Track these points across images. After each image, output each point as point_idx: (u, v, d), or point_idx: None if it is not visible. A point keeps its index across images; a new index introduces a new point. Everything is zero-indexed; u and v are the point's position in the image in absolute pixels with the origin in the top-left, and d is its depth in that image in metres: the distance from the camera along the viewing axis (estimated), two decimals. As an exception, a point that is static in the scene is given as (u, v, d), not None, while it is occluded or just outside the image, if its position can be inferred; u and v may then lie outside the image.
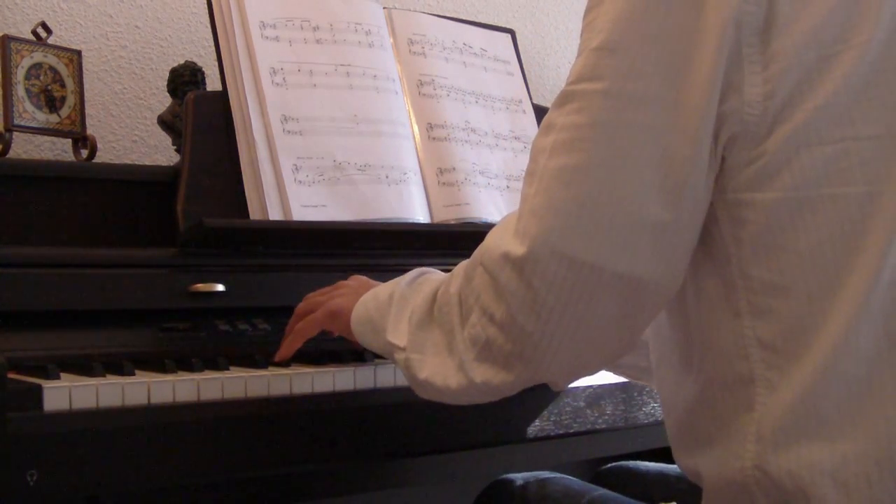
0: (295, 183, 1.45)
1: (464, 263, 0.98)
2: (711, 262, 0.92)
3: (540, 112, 1.76)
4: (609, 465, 1.51)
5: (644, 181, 0.87)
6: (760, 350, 0.88)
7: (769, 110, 0.85)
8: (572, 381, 0.98)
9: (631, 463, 1.49)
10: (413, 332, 1.02)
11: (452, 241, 1.53)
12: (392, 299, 1.06)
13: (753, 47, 0.86)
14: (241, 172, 1.44)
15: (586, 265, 0.87)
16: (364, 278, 1.23)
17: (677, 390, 1.00)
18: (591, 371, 0.98)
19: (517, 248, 0.89)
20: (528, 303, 0.89)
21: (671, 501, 1.35)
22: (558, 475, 1.30)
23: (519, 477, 1.30)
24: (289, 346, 1.22)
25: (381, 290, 1.11)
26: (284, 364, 1.22)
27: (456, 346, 0.96)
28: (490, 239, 0.95)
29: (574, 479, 1.31)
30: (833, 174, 0.85)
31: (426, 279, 1.07)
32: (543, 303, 0.88)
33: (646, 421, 1.43)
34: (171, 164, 1.66)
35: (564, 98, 0.91)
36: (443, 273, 1.08)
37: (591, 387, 1.38)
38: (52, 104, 1.56)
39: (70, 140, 1.63)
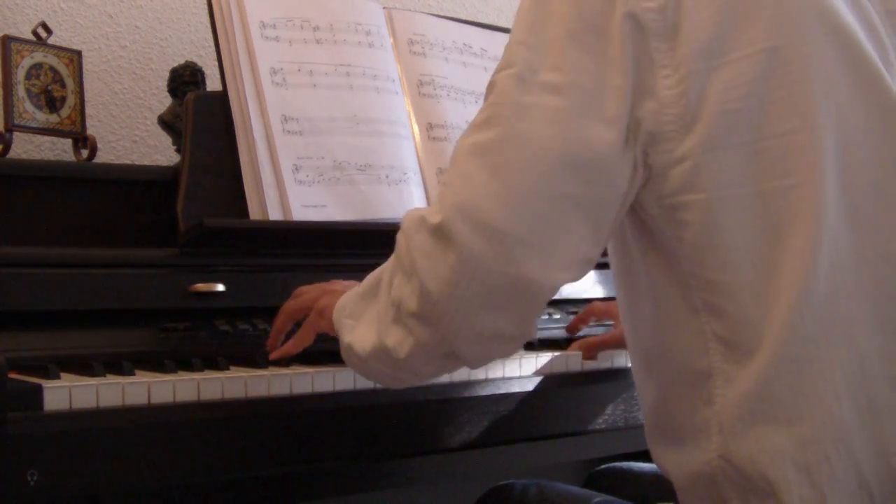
0: (295, 183, 1.45)
1: None
2: (665, 264, 0.94)
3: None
4: (602, 466, 1.51)
5: (554, 153, 0.89)
6: (718, 345, 0.91)
7: (687, 109, 0.89)
8: (482, 361, 0.98)
9: (624, 464, 1.49)
10: (355, 301, 1.04)
11: (452, 241, 1.53)
12: (365, 283, 1.07)
13: (662, 52, 0.89)
14: (241, 172, 1.44)
15: (492, 229, 0.89)
16: (355, 282, 1.23)
17: (644, 392, 1.03)
18: (501, 349, 0.98)
19: (433, 217, 0.92)
20: (438, 267, 0.91)
21: (669, 502, 1.35)
22: (557, 483, 1.30)
23: (518, 483, 1.30)
24: (286, 350, 1.22)
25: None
26: (284, 364, 1.22)
27: (381, 313, 0.98)
28: (412, 209, 0.98)
29: (572, 486, 1.32)
30: (755, 171, 0.89)
31: None
32: (452, 268, 0.90)
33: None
34: (171, 164, 1.66)
35: (488, 88, 0.95)
36: None
37: (590, 387, 1.38)
38: (53, 104, 1.56)
39: (70, 140, 1.63)
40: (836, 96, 0.90)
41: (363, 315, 1.02)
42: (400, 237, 0.97)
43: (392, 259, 0.99)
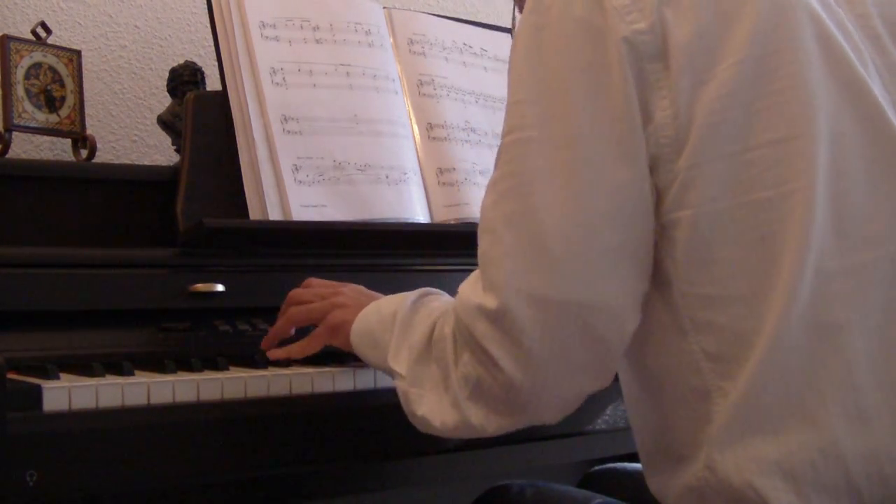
0: (295, 183, 1.45)
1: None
2: (655, 288, 0.94)
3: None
4: (598, 467, 1.50)
5: (589, 210, 0.89)
6: (709, 362, 0.91)
7: (680, 130, 0.88)
8: (562, 417, 0.99)
9: (619, 465, 1.49)
10: (412, 366, 1.02)
11: (452, 241, 1.53)
12: (395, 319, 1.06)
13: (658, 73, 0.88)
14: (241, 172, 1.44)
15: (552, 301, 0.88)
16: (362, 288, 1.22)
17: (641, 423, 1.03)
18: (578, 405, 0.99)
19: (489, 302, 0.90)
20: (512, 354, 0.90)
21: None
22: (555, 484, 1.30)
23: (515, 484, 1.30)
24: (288, 354, 1.21)
25: (384, 305, 1.11)
26: (284, 364, 1.22)
27: (451, 384, 0.97)
28: (462, 292, 0.96)
29: (571, 487, 1.31)
30: (744, 182, 0.88)
31: (429, 305, 1.06)
32: (527, 351, 0.89)
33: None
34: (171, 164, 1.66)
35: (499, 153, 0.93)
36: (446, 296, 1.08)
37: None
38: (52, 104, 1.56)
39: (70, 140, 1.63)
40: (826, 102, 0.89)
41: (424, 382, 1.01)
42: (457, 318, 0.95)
43: (451, 329, 0.97)
